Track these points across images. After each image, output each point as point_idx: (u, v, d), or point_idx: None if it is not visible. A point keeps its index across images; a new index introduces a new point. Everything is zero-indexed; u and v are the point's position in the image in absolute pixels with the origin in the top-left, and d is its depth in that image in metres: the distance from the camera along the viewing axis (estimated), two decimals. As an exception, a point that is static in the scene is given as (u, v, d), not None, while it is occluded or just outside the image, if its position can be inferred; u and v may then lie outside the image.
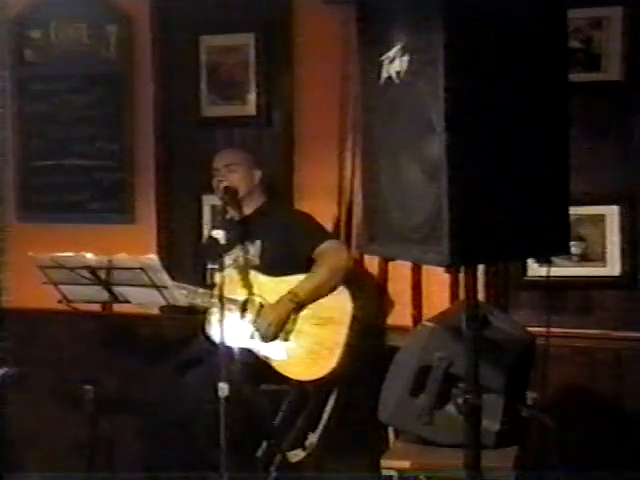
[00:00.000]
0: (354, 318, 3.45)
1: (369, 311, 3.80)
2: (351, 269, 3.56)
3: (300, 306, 3.46)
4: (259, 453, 3.45)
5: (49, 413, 4.29)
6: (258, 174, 3.73)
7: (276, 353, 3.45)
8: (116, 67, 4.29)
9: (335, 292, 3.49)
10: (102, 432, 3.58)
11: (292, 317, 3.47)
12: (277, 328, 3.45)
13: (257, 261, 3.59)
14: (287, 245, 3.56)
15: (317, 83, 3.92)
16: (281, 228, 3.62)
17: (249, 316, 3.49)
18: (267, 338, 3.44)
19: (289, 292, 3.46)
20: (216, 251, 3.19)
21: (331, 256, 3.53)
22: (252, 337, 3.45)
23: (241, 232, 3.60)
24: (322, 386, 3.49)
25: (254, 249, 3.60)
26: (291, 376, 3.43)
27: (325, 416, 3.54)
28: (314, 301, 3.48)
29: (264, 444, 3.45)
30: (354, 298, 3.49)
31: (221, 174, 3.68)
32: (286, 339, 3.47)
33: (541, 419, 2.84)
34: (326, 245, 3.55)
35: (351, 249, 3.79)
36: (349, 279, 3.54)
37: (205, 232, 4.06)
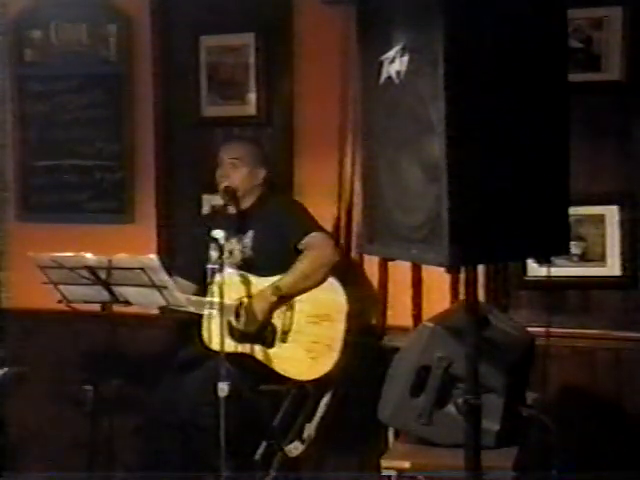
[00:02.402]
0: (350, 314, 3.44)
1: (369, 311, 3.80)
2: (339, 262, 3.52)
3: (283, 299, 3.44)
4: (258, 453, 3.44)
5: (49, 413, 4.29)
6: (262, 173, 3.70)
7: (274, 354, 3.45)
8: (116, 67, 4.29)
9: (329, 288, 3.47)
10: (102, 432, 3.58)
11: (288, 315, 3.46)
12: (258, 321, 3.43)
13: (250, 253, 3.58)
14: (278, 234, 3.54)
15: (317, 83, 3.92)
16: (273, 217, 3.60)
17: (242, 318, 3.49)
18: (249, 331, 3.42)
19: (271, 285, 3.44)
20: (215, 250, 3.19)
21: (315, 249, 3.49)
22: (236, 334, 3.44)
23: (237, 225, 3.60)
24: (321, 384, 3.49)
25: (247, 241, 3.60)
26: (291, 376, 3.42)
27: (321, 407, 3.53)
28: (298, 294, 3.47)
29: (263, 444, 3.45)
30: (350, 294, 3.48)
31: (224, 168, 3.66)
32: (284, 340, 3.46)
33: (541, 419, 2.84)
34: (311, 237, 3.52)
35: (351, 249, 3.80)
36: (348, 279, 3.54)
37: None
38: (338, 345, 3.40)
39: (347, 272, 3.63)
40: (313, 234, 3.53)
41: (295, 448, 3.48)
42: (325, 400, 3.54)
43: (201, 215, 4.03)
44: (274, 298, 3.44)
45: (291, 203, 3.75)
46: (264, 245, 3.57)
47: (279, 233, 3.54)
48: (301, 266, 3.47)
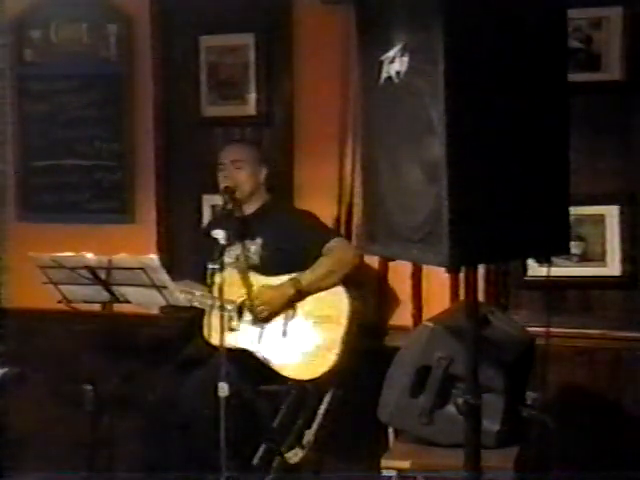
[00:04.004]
0: (352, 316, 3.45)
1: (369, 311, 3.80)
2: (357, 266, 3.56)
3: (300, 294, 3.46)
4: (257, 455, 3.44)
5: (49, 413, 4.29)
6: (264, 172, 3.73)
7: (274, 353, 3.45)
8: (116, 67, 4.29)
9: (332, 290, 3.48)
10: (102, 432, 3.58)
11: (290, 315, 3.47)
12: (272, 309, 3.45)
13: (257, 259, 3.59)
14: (289, 243, 3.56)
15: (317, 83, 3.92)
16: (283, 227, 3.62)
17: (246, 317, 3.49)
18: (260, 318, 3.44)
19: (291, 278, 3.46)
20: (216, 250, 3.20)
21: (338, 251, 3.53)
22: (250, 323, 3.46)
23: (242, 230, 3.61)
24: (321, 385, 3.49)
25: (254, 247, 3.61)
26: (290, 376, 3.43)
27: (321, 412, 3.54)
28: (316, 292, 3.47)
29: (263, 445, 3.45)
30: (352, 296, 3.48)
31: (227, 169, 3.68)
32: (284, 339, 3.46)
33: (541, 419, 2.84)
34: (334, 242, 3.56)
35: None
36: (348, 278, 3.54)
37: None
38: (338, 346, 3.41)
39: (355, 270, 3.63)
40: (334, 239, 3.58)
41: (295, 455, 3.49)
42: (324, 405, 3.54)
43: (204, 224, 4.04)
44: (292, 290, 3.45)
45: (300, 212, 3.77)
46: (273, 253, 3.58)
47: (291, 242, 3.55)
48: (323, 265, 3.49)
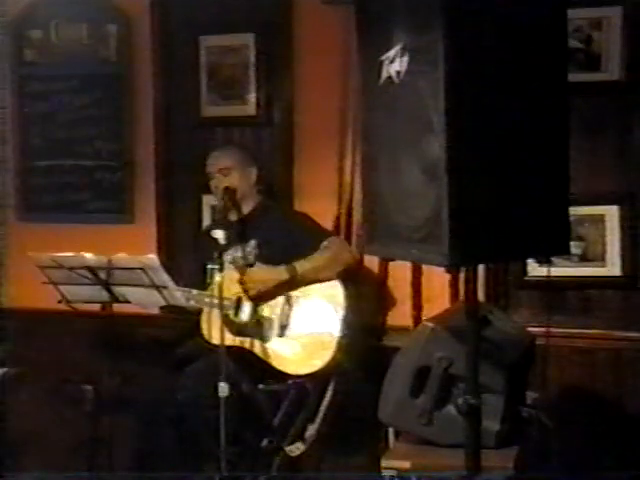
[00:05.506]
0: (348, 310, 3.45)
1: (369, 311, 3.80)
2: (353, 266, 3.55)
3: (294, 281, 3.45)
4: (260, 451, 3.45)
5: (49, 413, 4.28)
6: (254, 172, 3.73)
7: (272, 349, 3.45)
8: (116, 67, 4.29)
9: (328, 285, 3.48)
10: (102, 432, 3.58)
11: (286, 310, 3.47)
12: (262, 288, 3.44)
13: (252, 260, 3.59)
14: (284, 244, 3.56)
15: (317, 83, 3.92)
16: (278, 228, 3.62)
17: (244, 312, 3.50)
18: (250, 296, 3.44)
19: (287, 264, 3.46)
20: (215, 250, 3.20)
21: (335, 247, 3.54)
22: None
23: (238, 232, 3.61)
24: (320, 380, 3.49)
25: (249, 248, 3.61)
26: (288, 371, 3.43)
27: (323, 407, 3.54)
28: (310, 282, 3.47)
29: (264, 442, 3.45)
30: (348, 290, 3.48)
31: (216, 179, 3.69)
32: (281, 335, 3.47)
33: (541, 419, 2.84)
34: (329, 241, 3.56)
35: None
36: (348, 277, 3.54)
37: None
38: (334, 341, 3.41)
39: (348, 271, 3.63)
40: (331, 238, 3.59)
41: (297, 448, 3.48)
42: (327, 400, 3.54)
43: (204, 224, 4.05)
44: (286, 275, 3.44)
45: (296, 213, 3.78)
46: (269, 254, 3.57)
47: (287, 243, 3.55)
48: (320, 257, 3.49)
